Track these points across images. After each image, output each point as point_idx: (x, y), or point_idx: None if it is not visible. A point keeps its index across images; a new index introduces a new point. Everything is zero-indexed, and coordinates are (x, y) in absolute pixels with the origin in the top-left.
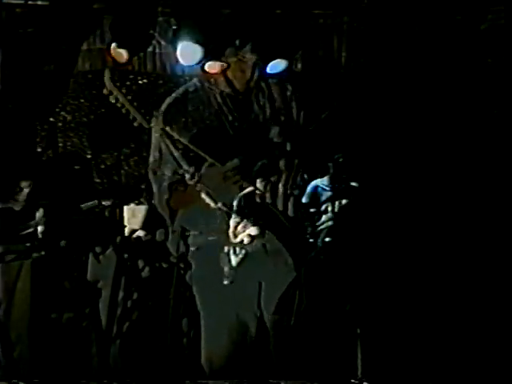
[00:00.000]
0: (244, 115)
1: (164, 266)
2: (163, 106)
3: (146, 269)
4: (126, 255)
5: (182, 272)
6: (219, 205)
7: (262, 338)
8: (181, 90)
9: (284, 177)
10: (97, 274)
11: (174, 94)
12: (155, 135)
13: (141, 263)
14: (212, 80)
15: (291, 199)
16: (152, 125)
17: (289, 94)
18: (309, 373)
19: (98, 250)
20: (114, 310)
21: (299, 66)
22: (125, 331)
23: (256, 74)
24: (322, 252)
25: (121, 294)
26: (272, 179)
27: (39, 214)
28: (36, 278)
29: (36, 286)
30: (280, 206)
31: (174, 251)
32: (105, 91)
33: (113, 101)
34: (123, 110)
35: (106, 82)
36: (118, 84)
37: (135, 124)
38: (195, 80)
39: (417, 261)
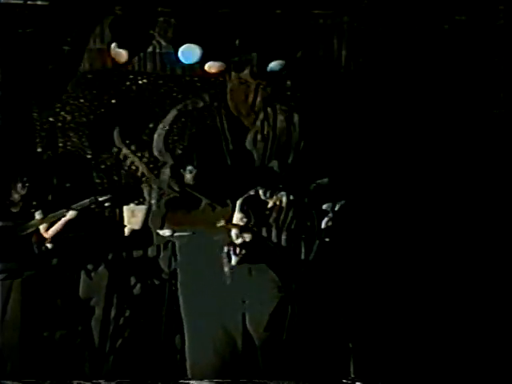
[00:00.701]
0: (245, 145)
1: (156, 282)
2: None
3: (138, 286)
4: (117, 272)
5: (174, 288)
6: (222, 223)
7: (248, 349)
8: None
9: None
10: (89, 291)
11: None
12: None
13: (133, 280)
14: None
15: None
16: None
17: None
18: (300, 375)
19: (90, 267)
20: (106, 328)
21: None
22: (118, 348)
23: (259, 99)
24: (314, 264)
25: (113, 312)
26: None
27: (38, 214)
28: (28, 296)
29: (28, 304)
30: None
31: (166, 267)
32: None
33: (121, 158)
34: (132, 167)
35: (116, 140)
36: (127, 142)
37: (143, 180)
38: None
39: (412, 257)
